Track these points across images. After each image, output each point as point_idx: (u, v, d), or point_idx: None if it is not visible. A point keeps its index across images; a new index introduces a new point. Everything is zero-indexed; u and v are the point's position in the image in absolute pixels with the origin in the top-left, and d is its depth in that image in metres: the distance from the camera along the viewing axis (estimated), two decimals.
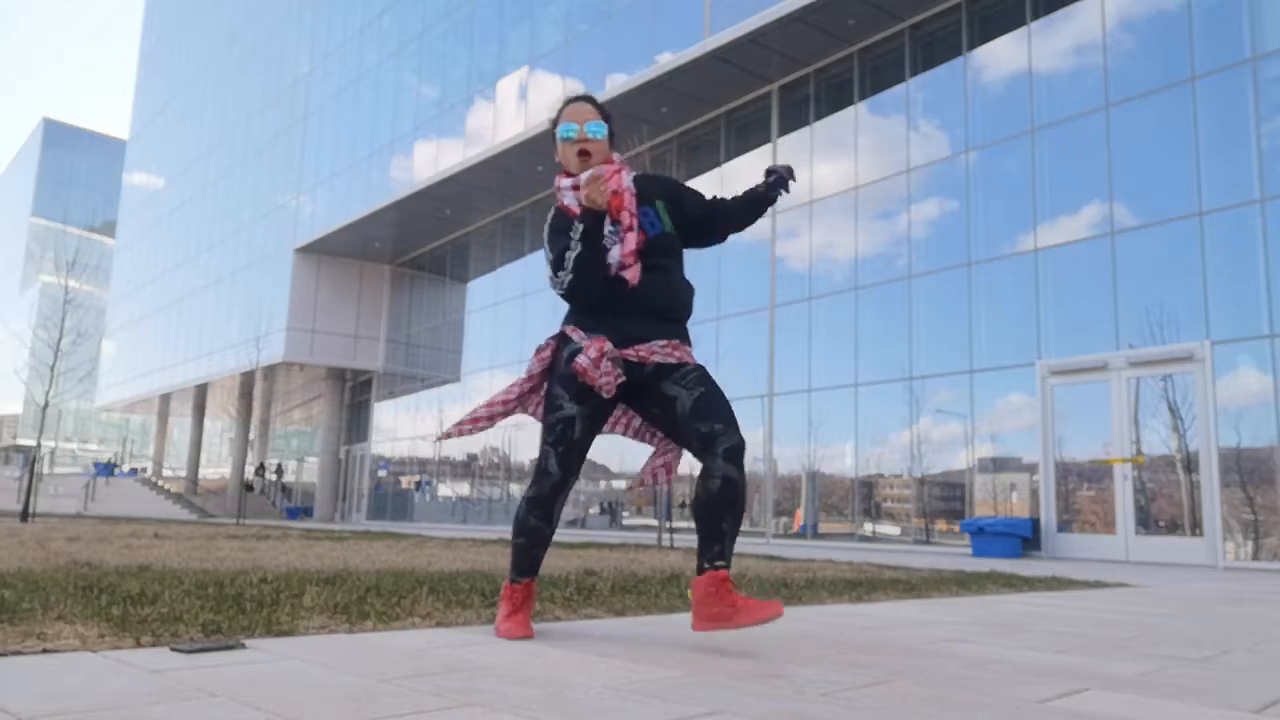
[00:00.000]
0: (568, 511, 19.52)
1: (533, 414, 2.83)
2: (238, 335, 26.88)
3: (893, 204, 13.88)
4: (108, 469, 36.85)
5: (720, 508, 2.54)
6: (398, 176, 22.86)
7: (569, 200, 2.79)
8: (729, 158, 16.84)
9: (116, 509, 28.88)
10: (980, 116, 13.02)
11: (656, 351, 2.68)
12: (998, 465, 12.27)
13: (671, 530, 11.11)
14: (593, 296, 2.72)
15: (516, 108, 19.43)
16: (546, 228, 2.86)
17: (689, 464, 2.86)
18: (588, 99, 2.89)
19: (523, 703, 1.74)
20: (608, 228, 2.71)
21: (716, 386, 2.68)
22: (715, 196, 2.94)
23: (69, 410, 64.37)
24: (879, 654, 2.56)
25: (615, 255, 2.71)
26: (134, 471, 38.38)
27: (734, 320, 15.88)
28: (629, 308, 2.70)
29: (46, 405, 16.66)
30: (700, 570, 2.55)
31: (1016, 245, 12.27)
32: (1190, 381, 10.35)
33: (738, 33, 14.43)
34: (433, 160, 21.61)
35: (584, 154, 2.79)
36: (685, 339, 2.79)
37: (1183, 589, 5.99)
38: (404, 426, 25.91)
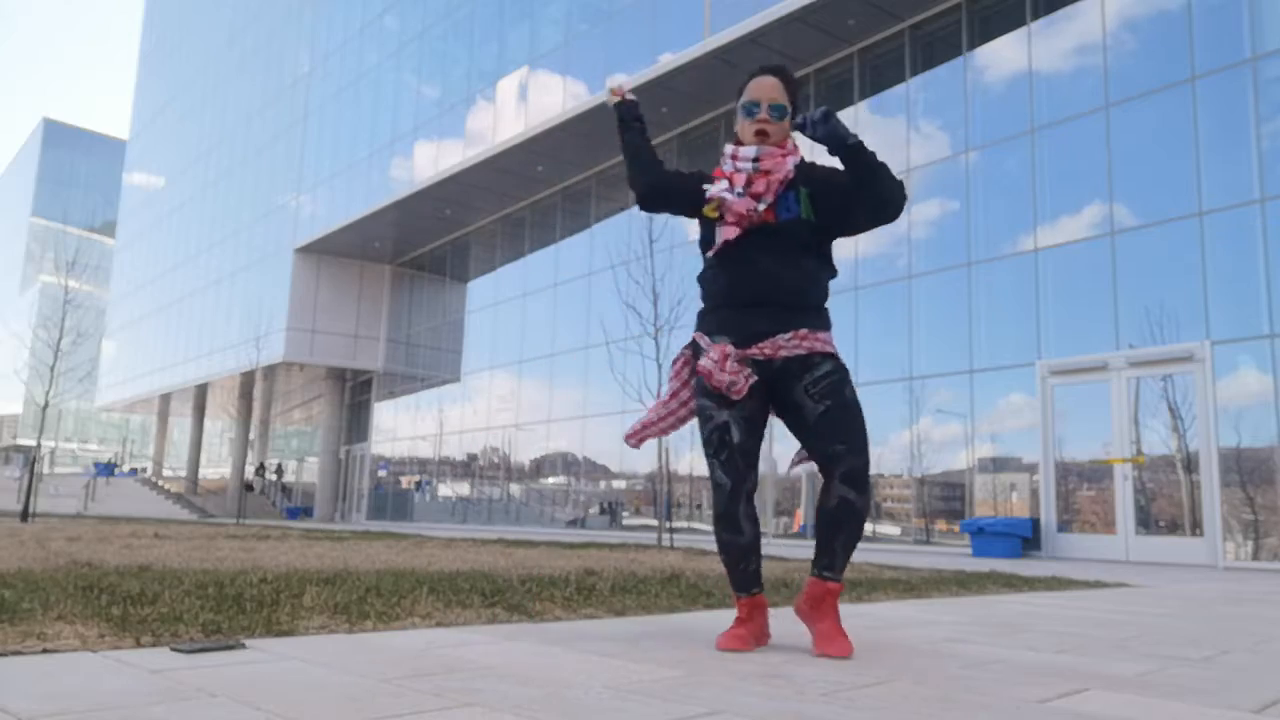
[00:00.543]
0: (568, 512, 19.53)
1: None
2: (238, 335, 26.88)
3: None
4: (108, 469, 36.85)
5: (835, 525, 2.55)
6: (398, 176, 22.86)
7: (725, 166, 2.72)
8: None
9: (116, 509, 28.88)
10: (980, 116, 13.02)
11: (782, 346, 2.57)
12: (998, 465, 12.27)
13: (671, 530, 11.11)
14: (645, 177, 2.78)
15: (516, 108, 19.43)
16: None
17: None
18: (777, 71, 2.78)
19: (523, 703, 1.74)
20: (734, 189, 2.65)
21: (844, 397, 2.56)
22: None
23: (69, 410, 64.37)
24: (879, 654, 2.56)
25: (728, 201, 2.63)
26: (134, 471, 38.38)
27: None
28: (748, 299, 2.62)
29: (46, 405, 16.66)
30: (812, 572, 2.61)
31: (1016, 245, 12.26)
32: (1190, 381, 10.35)
33: (738, 33, 14.42)
34: (433, 160, 21.61)
35: (762, 134, 2.71)
36: (816, 324, 2.63)
37: (1183, 589, 5.99)
38: (404, 426, 25.91)
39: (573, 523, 19.17)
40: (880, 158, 2.66)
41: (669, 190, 2.82)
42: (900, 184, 2.70)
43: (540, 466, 20.83)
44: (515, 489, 21.45)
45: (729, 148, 2.77)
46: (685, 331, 13.47)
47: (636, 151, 2.83)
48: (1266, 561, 9.54)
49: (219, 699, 1.68)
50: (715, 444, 2.62)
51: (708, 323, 2.70)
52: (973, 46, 13.29)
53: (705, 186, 2.71)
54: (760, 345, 2.57)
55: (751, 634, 2.59)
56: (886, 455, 13.53)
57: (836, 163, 2.74)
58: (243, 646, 2.26)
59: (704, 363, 2.59)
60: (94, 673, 1.90)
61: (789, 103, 2.75)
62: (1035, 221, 12.06)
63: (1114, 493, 10.80)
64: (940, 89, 13.71)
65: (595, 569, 5.24)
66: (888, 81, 14.40)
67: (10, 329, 52.06)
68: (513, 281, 22.06)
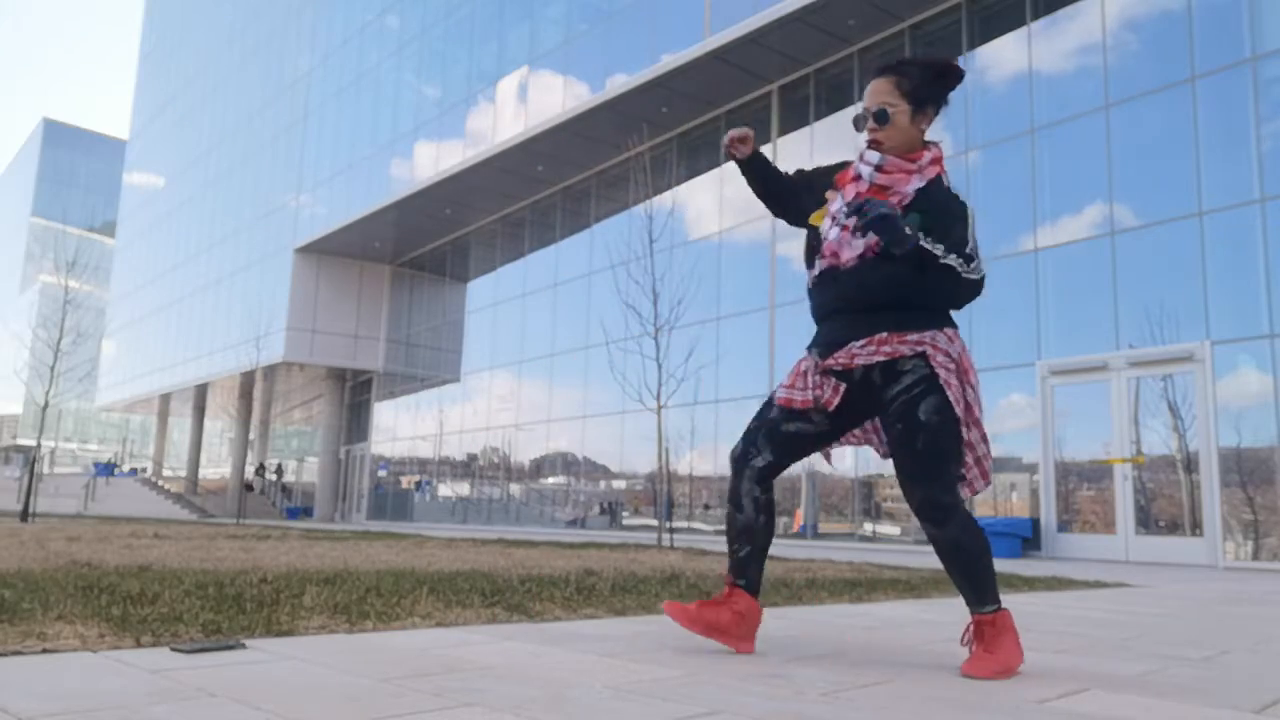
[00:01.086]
0: (568, 512, 19.53)
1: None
2: (238, 335, 26.87)
3: None
4: (108, 469, 36.85)
5: (943, 562, 2.45)
6: (398, 176, 22.86)
7: (855, 168, 2.57)
8: (729, 158, 16.83)
9: (116, 509, 28.88)
10: (980, 116, 13.02)
11: (857, 354, 2.40)
12: (998, 465, 12.26)
13: (671, 530, 11.11)
14: (777, 210, 2.81)
15: (516, 108, 19.43)
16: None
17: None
18: (883, 71, 2.58)
19: (523, 703, 1.74)
20: (835, 207, 2.53)
21: (916, 418, 2.34)
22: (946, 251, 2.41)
23: (69, 410, 64.36)
24: (879, 654, 2.56)
25: (833, 235, 2.50)
26: (134, 471, 38.37)
27: (734, 320, 15.87)
28: (827, 309, 2.52)
29: (46, 405, 16.66)
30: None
31: (1016, 245, 12.26)
32: (1190, 381, 10.35)
33: (738, 33, 14.42)
34: (433, 160, 21.61)
35: (874, 143, 2.53)
36: (903, 324, 2.39)
37: (1183, 589, 5.99)
38: (404, 426, 25.91)
39: (573, 523, 19.17)
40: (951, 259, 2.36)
41: (787, 209, 2.78)
42: (976, 284, 2.43)
43: (540, 466, 20.83)
44: (515, 489, 21.45)
45: (862, 148, 2.60)
46: (686, 331, 13.50)
47: (765, 195, 2.81)
48: (1266, 561, 9.54)
49: (219, 699, 1.68)
50: (755, 417, 2.57)
51: (813, 335, 2.60)
52: (973, 46, 13.29)
53: (828, 194, 2.60)
54: (836, 356, 2.44)
55: (705, 619, 2.45)
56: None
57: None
58: (243, 646, 2.26)
59: (780, 393, 2.52)
60: (94, 673, 1.90)
61: (903, 97, 2.51)
62: (1035, 221, 12.07)
63: (1114, 493, 10.80)
64: None
65: (595, 569, 5.24)
66: None
67: (10, 329, 52.05)
68: (513, 281, 22.06)
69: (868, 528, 13.62)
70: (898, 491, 13.42)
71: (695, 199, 17.16)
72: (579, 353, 19.10)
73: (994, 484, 12.19)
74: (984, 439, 2.50)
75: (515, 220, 22.26)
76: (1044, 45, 12.43)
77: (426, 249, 25.43)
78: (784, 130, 15.78)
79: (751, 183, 2.79)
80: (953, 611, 3.88)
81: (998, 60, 13.08)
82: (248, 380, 28.52)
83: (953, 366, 2.39)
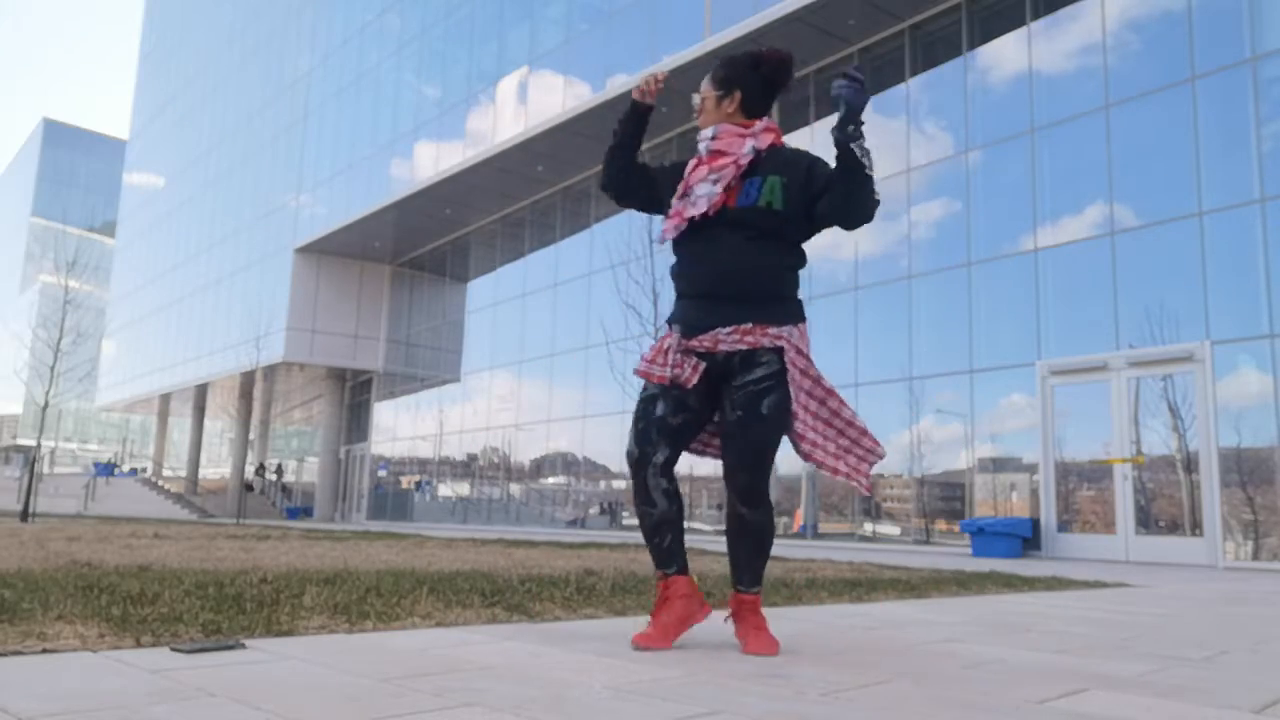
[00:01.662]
0: (568, 512, 19.53)
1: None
2: (238, 335, 26.88)
3: (893, 204, 13.87)
4: (108, 469, 36.85)
5: (734, 538, 2.61)
6: (398, 176, 22.86)
7: (699, 147, 2.75)
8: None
9: (116, 509, 28.88)
10: (980, 116, 13.02)
11: (722, 340, 2.54)
12: (998, 465, 12.27)
13: None
14: (615, 185, 2.81)
15: (516, 108, 19.43)
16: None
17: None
18: (715, 65, 2.81)
19: (523, 703, 1.74)
20: (706, 183, 2.63)
21: (759, 411, 2.50)
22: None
23: (69, 410, 64.35)
24: (879, 654, 2.56)
25: (700, 194, 2.62)
26: (134, 471, 38.37)
27: None
28: (697, 289, 2.62)
29: (46, 405, 16.66)
30: (732, 587, 2.65)
31: (1016, 245, 12.26)
32: (1190, 381, 10.35)
33: (738, 33, 14.42)
34: (433, 160, 21.61)
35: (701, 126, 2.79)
36: (766, 317, 2.55)
37: (1183, 589, 5.99)
38: (404, 426, 25.91)
39: (573, 523, 19.17)
40: (876, 170, 2.61)
41: (628, 187, 2.86)
42: (876, 202, 2.64)
43: (540, 466, 20.83)
44: (515, 489, 21.45)
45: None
46: None
47: (615, 156, 2.86)
48: (1266, 561, 9.54)
49: (219, 699, 1.68)
50: (637, 414, 2.64)
51: (674, 309, 2.72)
52: (973, 46, 13.29)
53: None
54: (700, 338, 2.56)
55: (666, 626, 2.53)
56: (887, 455, 13.52)
57: (816, 149, 2.74)
58: (243, 646, 2.26)
59: (640, 365, 2.61)
60: (94, 673, 1.90)
61: (714, 85, 2.75)
62: (1035, 221, 12.06)
63: (1114, 493, 10.80)
64: (940, 89, 13.71)
65: (595, 569, 5.24)
66: (888, 81, 14.39)
67: (10, 329, 52.05)
68: (513, 281, 22.06)
69: (868, 528, 13.62)
70: (898, 492, 13.48)
71: None
72: (579, 353, 19.10)
73: (995, 484, 12.19)
74: (851, 422, 2.64)
75: (515, 220, 22.26)
76: (1044, 45, 12.43)
77: (426, 249, 25.43)
78: (784, 130, 15.74)
79: (634, 130, 2.83)
80: (953, 611, 3.88)
81: (998, 60, 13.08)
82: (248, 380, 28.52)
83: (804, 366, 2.56)
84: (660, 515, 2.60)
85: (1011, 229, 12.36)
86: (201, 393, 32.73)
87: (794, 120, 15.67)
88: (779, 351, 2.53)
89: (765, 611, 2.72)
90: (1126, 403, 10.88)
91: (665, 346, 2.59)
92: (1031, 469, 11.76)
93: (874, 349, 13.70)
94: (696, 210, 2.60)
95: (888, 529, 13.50)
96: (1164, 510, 10.62)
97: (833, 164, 2.63)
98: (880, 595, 4.46)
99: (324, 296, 26.03)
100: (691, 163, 2.73)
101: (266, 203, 28.33)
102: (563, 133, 18.00)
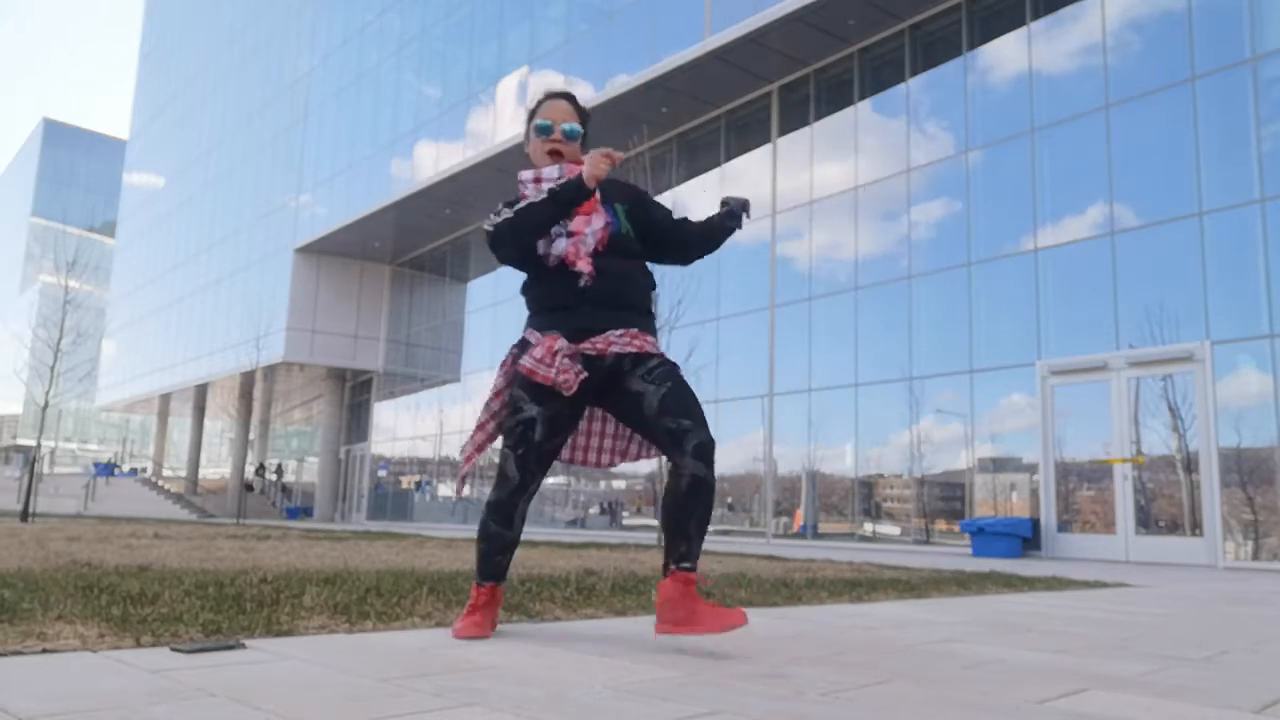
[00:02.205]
0: (568, 512, 19.52)
1: None
2: (238, 335, 26.88)
3: (893, 204, 13.88)
4: (108, 469, 36.85)
5: (688, 507, 2.49)
6: (398, 176, 22.86)
7: (529, 191, 2.72)
8: (729, 158, 16.84)
9: (116, 509, 28.88)
10: (980, 116, 13.02)
11: (614, 342, 2.57)
12: (998, 465, 12.27)
13: None
14: (518, 248, 2.65)
15: (516, 108, 19.43)
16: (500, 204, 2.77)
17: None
18: (568, 97, 2.83)
19: (523, 703, 1.74)
20: (592, 224, 2.64)
21: (683, 382, 2.59)
22: (682, 218, 2.87)
23: (69, 410, 64.37)
24: (879, 654, 2.56)
25: (560, 248, 2.61)
26: (134, 471, 38.38)
27: (734, 320, 15.88)
28: (580, 299, 2.61)
29: (46, 405, 16.66)
30: (666, 571, 2.52)
31: (1017, 245, 12.27)
32: (1190, 381, 10.35)
33: (738, 33, 14.43)
34: (433, 160, 21.61)
35: (554, 153, 2.75)
36: (647, 328, 2.68)
37: (1183, 589, 5.99)
38: (404, 426, 25.91)
39: (573, 523, 19.17)
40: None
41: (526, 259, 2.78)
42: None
43: None
44: None
45: (527, 173, 2.77)
46: (686, 331, 13.46)
47: (538, 222, 2.63)
48: (1266, 561, 9.54)
49: (219, 699, 1.68)
50: (516, 437, 2.61)
51: (538, 320, 2.71)
52: (973, 46, 13.29)
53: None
54: (593, 340, 2.57)
55: (488, 620, 2.64)
56: (886, 455, 13.53)
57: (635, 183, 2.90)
58: (242, 646, 2.26)
59: (525, 360, 2.56)
60: (94, 673, 1.90)
61: (579, 122, 2.81)
62: (1035, 221, 12.07)
63: (1114, 493, 10.80)
64: (940, 89, 13.71)
65: (595, 569, 5.24)
66: (888, 81, 14.40)
67: (10, 329, 52.05)
68: (513, 281, 21.86)
69: (868, 528, 13.62)
70: (898, 492, 13.48)
71: (695, 199, 17.14)
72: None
73: (995, 484, 12.19)
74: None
75: None
76: (1044, 45, 12.43)
77: (426, 249, 25.43)
78: (784, 130, 15.78)
79: (552, 208, 2.64)
80: (953, 611, 3.88)
81: (998, 60, 13.08)
82: (248, 380, 28.52)
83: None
84: (512, 539, 2.69)
85: (1011, 229, 12.37)
86: (201, 393, 32.73)
87: (794, 120, 15.67)
88: (660, 356, 2.63)
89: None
90: (1126, 403, 10.88)
91: (556, 349, 2.53)
92: (1031, 469, 11.77)
93: (874, 349, 13.70)
94: (590, 252, 2.61)
95: (888, 529, 13.50)
96: (1164, 510, 10.62)
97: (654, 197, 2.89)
98: (880, 595, 4.46)
99: (324, 296, 26.03)
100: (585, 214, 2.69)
101: (266, 203, 28.33)
102: None
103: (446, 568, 5.12)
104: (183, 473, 35.74)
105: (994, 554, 10.81)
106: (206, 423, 36.05)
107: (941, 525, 12.88)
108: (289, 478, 33.74)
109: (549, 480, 20.47)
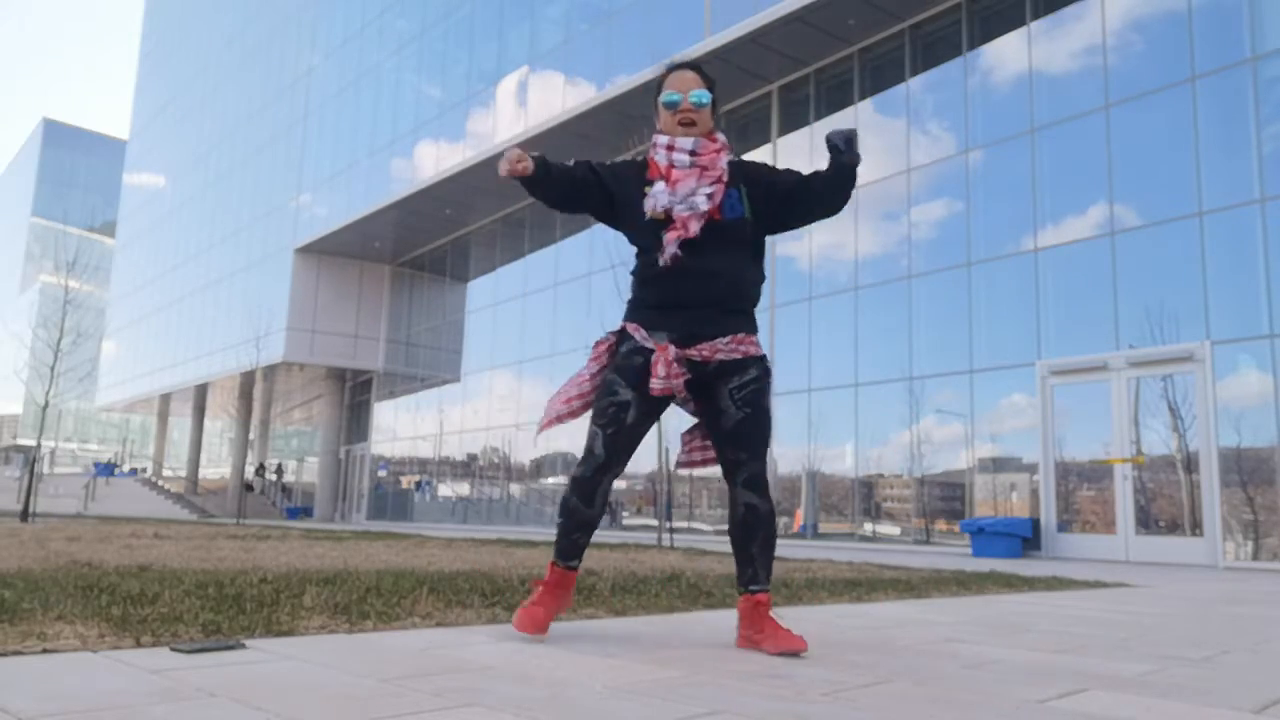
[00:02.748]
0: None
1: None
2: (238, 335, 26.88)
3: (893, 204, 13.88)
4: (108, 469, 36.84)
5: (745, 533, 2.64)
6: (398, 176, 22.86)
7: (659, 157, 2.71)
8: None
9: (116, 509, 28.88)
10: (980, 116, 13.02)
11: (720, 350, 2.64)
12: (998, 465, 12.27)
13: (671, 530, 11.11)
14: (581, 208, 2.78)
15: (516, 108, 19.43)
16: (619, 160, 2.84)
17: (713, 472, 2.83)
18: (693, 66, 2.79)
19: (523, 703, 1.74)
20: (674, 193, 2.63)
21: (762, 408, 2.65)
22: (813, 174, 2.84)
23: (69, 410, 64.36)
24: (879, 654, 2.56)
25: (670, 251, 2.61)
26: (134, 471, 38.37)
27: None
28: (690, 299, 2.65)
29: (46, 405, 16.66)
30: (739, 592, 2.65)
31: (1017, 245, 12.26)
32: (1190, 381, 10.35)
33: (738, 33, 14.42)
34: (433, 160, 21.61)
35: (688, 123, 2.71)
36: (751, 328, 2.73)
37: (1183, 589, 5.99)
38: (404, 426, 25.91)
39: None
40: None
41: (590, 199, 2.80)
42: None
43: (540, 466, 20.83)
44: (515, 489, 21.45)
45: (662, 138, 2.75)
46: None
47: (561, 196, 2.80)
48: (1266, 561, 9.54)
49: (219, 699, 1.68)
50: (609, 418, 2.65)
51: (644, 315, 2.70)
52: (973, 46, 13.29)
53: (645, 189, 2.69)
54: (699, 347, 2.63)
55: (551, 608, 2.66)
56: (887, 455, 13.53)
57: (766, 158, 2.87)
58: (243, 646, 2.26)
59: (654, 382, 2.58)
60: (94, 673, 1.90)
61: (708, 89, 2.76)
62: (1035, 221, 12.06)
63: (1114, 493, 10.80)
64: (941, 89, 13.71)
65: (595, 569, 5.23)
66: (888, 81, 14.40)
67: (10, 329, 52.05)
68: (513, 281, 22.06)
69: (868, 528, 13.62)
70: (898, 492, 13.48)
71: None
72: (579, 353, 19.07)
73: (995, 484, 12.20)
74: None
75: (515, 220, 22.25)
76: (1044, 45, 12.43)
77: (426, 249, 25.43)
78: (784, 130, 15.78)
79: (546, 194, 2.77)
80: (953, 611, 3.88)
81: (998, 60, 13.08)
82: (248, 380, 28.52)
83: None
84: (592, 516, 2.70)
85: (1012, 229, 12.37)
86: (201, 393, 32.73)
87: (794, 120, 15.67)
88: (760, 360, 2.70)
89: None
90: (1126, 403, 10.88)
91: (671, 358, 2.59)
92: (1031, 469, 11.76)
93: (874, 349, 13.70)
94: (699, 223, 2.61)
95: (888, 529, 13.50)
96: (1164, 510, 10.62)
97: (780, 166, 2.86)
98: (880, 595, 4.46)
99: (324, 296, 26.03)
100: (662, 169, 2.69)
101: (266, 203, 28.33)
102: (563, 133, 18.00)
103: (446, 568, 5.12)
104: (183, 473, 35.73)
105: (994, 554, 10.81)
106: (206, 423, 36.05)
107: (941, 525, 12.88)
108: (289, 478, 33.74)
109: (549, 480, 20.49)
